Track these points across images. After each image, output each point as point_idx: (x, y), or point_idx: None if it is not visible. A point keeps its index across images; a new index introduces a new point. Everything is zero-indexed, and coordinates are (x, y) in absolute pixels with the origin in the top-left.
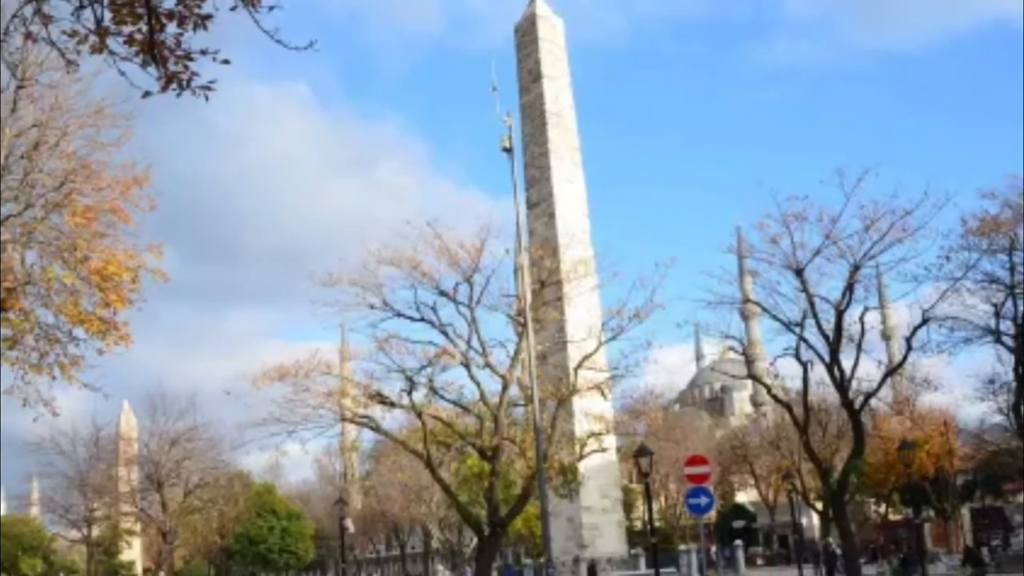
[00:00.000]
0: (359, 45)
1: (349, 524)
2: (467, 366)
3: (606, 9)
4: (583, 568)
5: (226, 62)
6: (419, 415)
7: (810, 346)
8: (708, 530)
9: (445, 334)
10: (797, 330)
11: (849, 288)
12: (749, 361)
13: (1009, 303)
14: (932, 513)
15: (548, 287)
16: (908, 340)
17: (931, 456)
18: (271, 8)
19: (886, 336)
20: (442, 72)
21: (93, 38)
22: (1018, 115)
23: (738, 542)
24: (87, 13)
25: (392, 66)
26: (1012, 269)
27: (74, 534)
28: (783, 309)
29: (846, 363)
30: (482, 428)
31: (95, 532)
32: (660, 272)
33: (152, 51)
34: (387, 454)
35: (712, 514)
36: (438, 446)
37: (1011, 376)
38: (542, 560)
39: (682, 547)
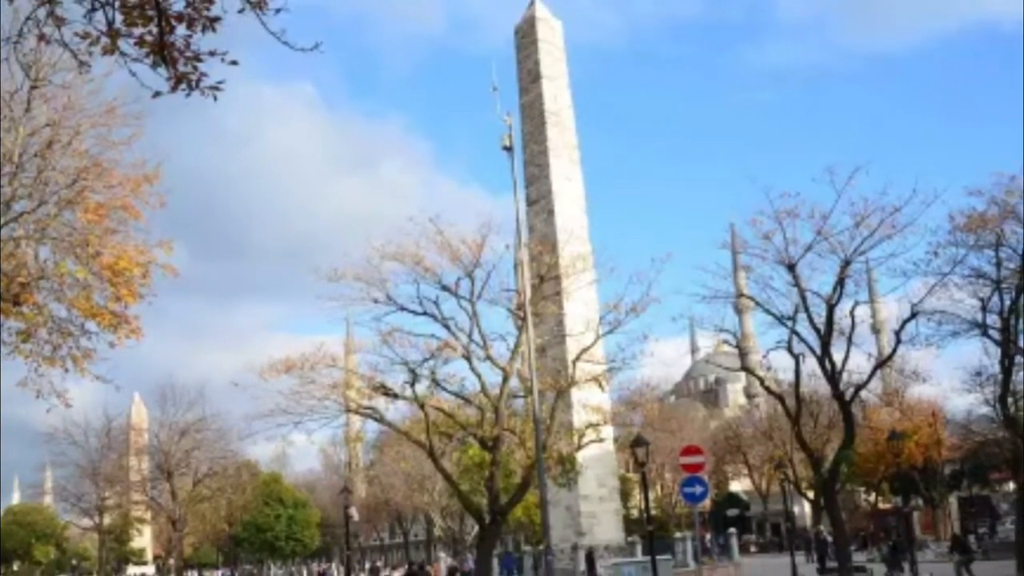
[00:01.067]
0: (363, 46)
1: (354, 512)
2: (468, 359)
3: (604, 11)
4: (581, 555)
5: (234, 63)
6: (422, 406)
7: (802, 339)
8: (703, 518)
9: (447, 328)
10: (789, 324)
11: (840, 283)
12: (743, 354)
13: (995, 297)
14: (921, 502)
15: (547, 282)
16: (897, 333)
17: (920, 446)
18: (278, 10)
19: (876, 329)
20: (444, 73)
21: (105, 40)
22: (1004, 114)
23: (732, 530)
24: (99, 15)
25: (395, 67)
26: (998, 264)
27: (86, 522)
28: (776, 303)
29: (837, 356)
30: (483, 419)
31: (107, 520)
32: (656, 267)
33: (162, 52)
34: (390, 444)
35: (707, 503)
36: (440, 436)
37: (997, 368)
38: (541, 547)
39: (677, 535)
